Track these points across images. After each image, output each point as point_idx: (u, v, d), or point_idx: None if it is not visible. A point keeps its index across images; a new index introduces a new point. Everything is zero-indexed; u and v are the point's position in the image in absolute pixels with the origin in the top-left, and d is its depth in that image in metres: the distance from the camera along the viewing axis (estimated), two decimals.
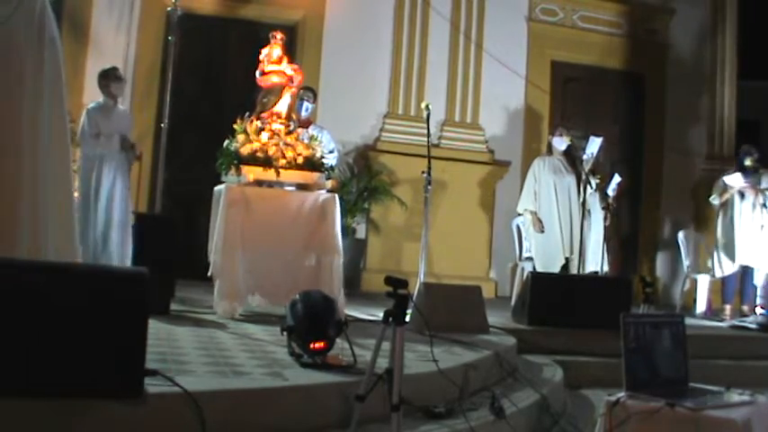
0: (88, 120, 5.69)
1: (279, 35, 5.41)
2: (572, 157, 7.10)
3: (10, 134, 3.07)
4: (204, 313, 4.82)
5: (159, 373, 2.60)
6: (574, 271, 6.81)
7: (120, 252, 5.47)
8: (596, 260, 7.12)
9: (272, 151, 5.06)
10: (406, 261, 7.87)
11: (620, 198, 8.06)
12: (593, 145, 7.06)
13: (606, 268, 7.16)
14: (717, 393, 2.86)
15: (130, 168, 5.94)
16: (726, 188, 7.53)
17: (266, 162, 5.04)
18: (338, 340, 3.36)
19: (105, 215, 5.55)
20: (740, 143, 8.30)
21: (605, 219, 6.94)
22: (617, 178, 7.20)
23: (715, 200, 7.71)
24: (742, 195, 7.45)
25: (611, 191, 7.19)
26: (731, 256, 7.46)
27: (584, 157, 7.01)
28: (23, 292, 2.33)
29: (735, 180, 7.48)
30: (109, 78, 5.84)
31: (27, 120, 3.09)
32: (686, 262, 7.97)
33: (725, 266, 7.51)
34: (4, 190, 3.01)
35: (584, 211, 6.82)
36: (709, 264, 7.71)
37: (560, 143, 7.15)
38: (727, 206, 7.57)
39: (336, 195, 5.27)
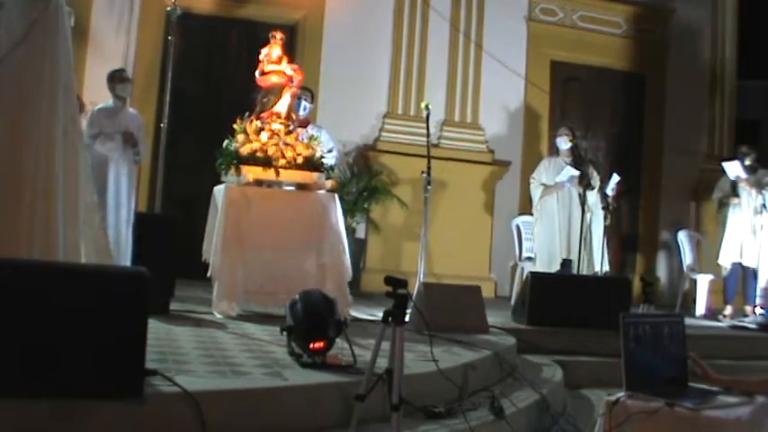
0: (90, 121, 5.70)
1: (279, 35, 5.41)
2: (576, 157, 7.12)
3: (27, 135, 3.08)
4: (204, 313, 4.81)
5: (159, 372, 2.61)
6: (574, 272, 6.81)
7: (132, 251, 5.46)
8: (597, 260, 7.14)
9: (271, 151, 5.07)
10: (405, 261, 7.86)
11: (620, 198, 8.07)
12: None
13: (607, 268, 7.17)
14: (716, 393, 2.85)
15: (137, 168, 5.93)
16: (730, 191, 7.53)
17: (266, 162, 5.04)
18: (338, 340, 3.36)
19: (115, 216, 5.55)
20: (740, 143, 8.30)
21: (605, 218, 6.96)
22: (615, 177, 7.22)
23: (716, 201, 7.74)
24: (735, 189, 7.46)
25: (610, 190, 7.21)
26: (730, 256, 7.46)
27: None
28: (23, 292, 2.34)
29: (733, 168, 7.46)
30: (114, 80, 5.86)
31: (43, 120, 3.11)
32: (686, 262, 7.98)
33: (723, 265, 7.52)
34: (21, 190, 3.03)
35: (584, 211, 6.82)
36: (710, 263, 7.73)
37: (562, 143, 7.19)
38: (727, 207, 7.58)
39: (336, 194, 5.28)
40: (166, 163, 6.42)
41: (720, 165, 7.75)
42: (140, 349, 2.47)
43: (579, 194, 6.84)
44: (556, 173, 7.12)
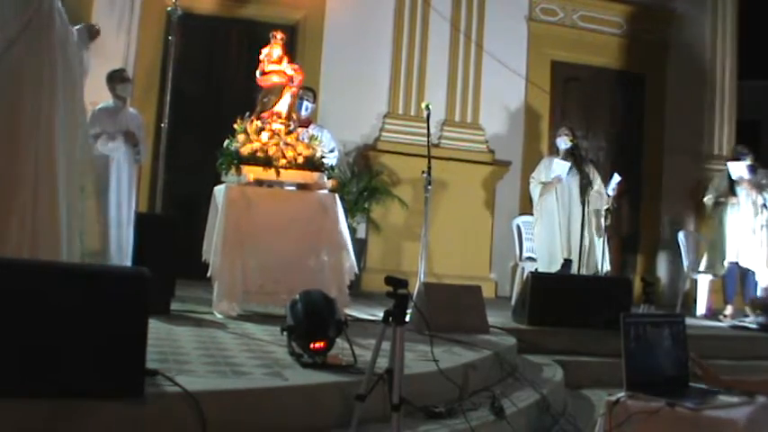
0: (91, 121, 5.70)
1: (279, 35, 5.41)
2: (576, 157, 7.12)
3: (27, 135, 3.09)
4: (204, 313, 4.82)
5: (160, 372, 2.61)
6: (575, 272, 6.81)
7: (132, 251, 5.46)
8: (598, 260, 7.14)
9: (272, 151, 5.06)
10: (406, 261, 7.86)
11: (621, 198, 8.07)
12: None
13: (607, 268, 7.17)
14: (717, 393, 2.85)
15: (138, 167, 5.94)
16: (727, 191, 7.53)
17: (266, 162, 5.04)
18: (338, 340, 3.36)
19: (117, 215, 5.55)
20: (740, 143, 8.30)
21: (606, 218, 6.96)
22: (617, 177, 7.23)
23: (710, 200, 7.74)
24: (733, 190, 7.45)
25: (610, 190, 7.22)
26: (729, 255, 7.46)
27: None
28: (23, 292, 2.33)
29: (738, 168, 7.45)
30: (114, 80, 5.86)
31: (43, 119, 3.12)
32: (686, 262, 7.97)
33: (721, 265, 7.53)
34: (22, 190, 3.04)
35: (585, 210, 6.82)
36: (707, 263, 7.72)
37: (562, 143, 7.20)
38: (723, 206, 7.58)
39: (336, 194, 5.27)
40: (167, 163, 6.41)
41: (725, 165, 7.74)
42: (141, 349, 2.47)
43: (580, 185, 6.81)
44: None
